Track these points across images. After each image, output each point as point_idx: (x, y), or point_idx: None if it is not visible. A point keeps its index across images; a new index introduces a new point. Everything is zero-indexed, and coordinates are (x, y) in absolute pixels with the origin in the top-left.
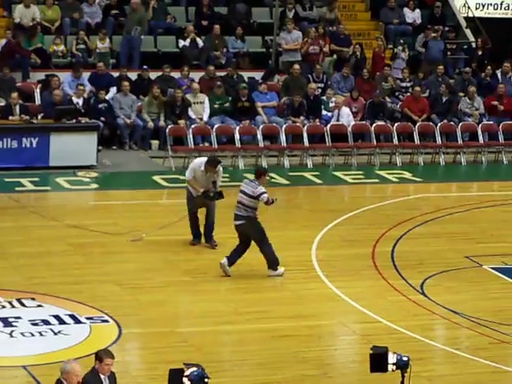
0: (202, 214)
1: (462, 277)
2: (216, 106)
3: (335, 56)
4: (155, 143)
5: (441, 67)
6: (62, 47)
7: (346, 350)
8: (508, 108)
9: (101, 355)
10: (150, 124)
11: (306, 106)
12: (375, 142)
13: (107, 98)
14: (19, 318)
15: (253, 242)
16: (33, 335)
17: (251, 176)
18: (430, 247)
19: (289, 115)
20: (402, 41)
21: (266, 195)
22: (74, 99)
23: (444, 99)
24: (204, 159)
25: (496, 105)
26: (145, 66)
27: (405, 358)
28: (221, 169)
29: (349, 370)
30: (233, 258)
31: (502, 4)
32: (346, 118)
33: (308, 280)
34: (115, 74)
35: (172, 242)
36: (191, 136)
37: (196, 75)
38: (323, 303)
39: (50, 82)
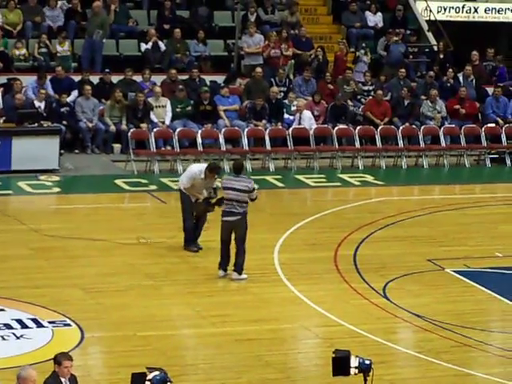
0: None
1: (424, 280)
2: (178, 109)
3: (292, 61)
4: (117, 147)
5: (402, 70)
6: (23, 51)
7: (308, 354)
8: (470, 111)
9: (59, 358)
10: (112, 128)
11: (268, 110)
12: (337, 146)
13: (68, 101)
14: None
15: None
16: None
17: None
18: (392, 250)
19: (251, 119)
20: (363, 44)
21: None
22: (36, 103)
23: (406, 102)
24: (202, 166)
25: (458, 108)
26: (107, 70)
27: (367, 362)
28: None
29: (312, 374)
30: (225, 263)
31: (463, 7)
32: (308, 121)
33: (270, 284)
34: (77, 78)
35: (134, 245)
36: (153, 140)
37: (158, 79)
38: (286, 307)
39: (12, 85)
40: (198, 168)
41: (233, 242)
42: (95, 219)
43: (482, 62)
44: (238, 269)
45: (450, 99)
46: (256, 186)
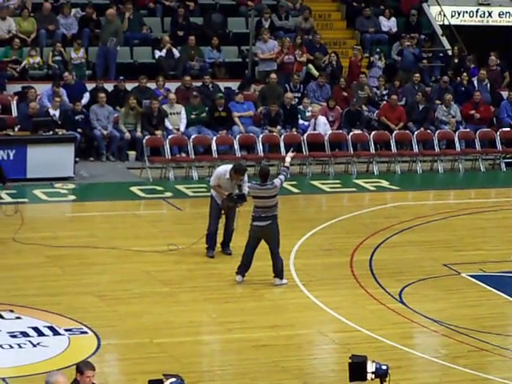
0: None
1: (441, 285)
2: (192, 116)
3: (309, 65)
4: (132, 154)
5: (417, 75)
6: (38, 59)
7: (325, 359)
8: (484, 115)
9: (81, 367)
10: (127, 135)
11: (282, 116)
12: (352, 151)
13: (82, 103)
14: None
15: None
16: (11, 347)
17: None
18: (408, 255)
19: (265, 125)
20: (378, 49)
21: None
22: (51, 111)
23: (420, 107)
24: (228, 167)
25: (473, 113)
26: (121, 77)
27: (384, 367)
28: (246, 176)
29: (328, 380)
30: (245, 269)
31: (477, 12)
32: (323, 127)
33: (286, 289)
34: (91, 86)
35: (149, 252)
36: (168, 147)
37: (172, 86)
38: (302, 312)
39: (26, 94)
40: (224, 168)
41: (261, 251)
42: (111, 227)
43: (496, 66)
44: (280, 274)
45: (464, 104)
46: (280, 182)
